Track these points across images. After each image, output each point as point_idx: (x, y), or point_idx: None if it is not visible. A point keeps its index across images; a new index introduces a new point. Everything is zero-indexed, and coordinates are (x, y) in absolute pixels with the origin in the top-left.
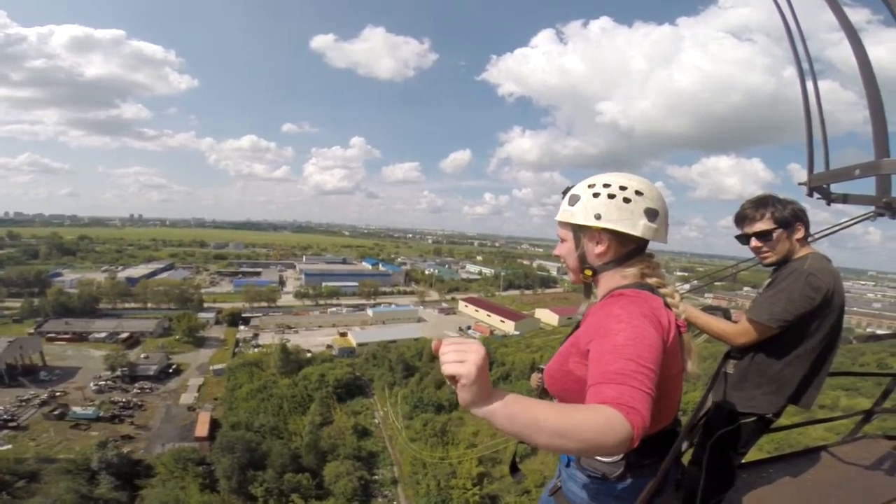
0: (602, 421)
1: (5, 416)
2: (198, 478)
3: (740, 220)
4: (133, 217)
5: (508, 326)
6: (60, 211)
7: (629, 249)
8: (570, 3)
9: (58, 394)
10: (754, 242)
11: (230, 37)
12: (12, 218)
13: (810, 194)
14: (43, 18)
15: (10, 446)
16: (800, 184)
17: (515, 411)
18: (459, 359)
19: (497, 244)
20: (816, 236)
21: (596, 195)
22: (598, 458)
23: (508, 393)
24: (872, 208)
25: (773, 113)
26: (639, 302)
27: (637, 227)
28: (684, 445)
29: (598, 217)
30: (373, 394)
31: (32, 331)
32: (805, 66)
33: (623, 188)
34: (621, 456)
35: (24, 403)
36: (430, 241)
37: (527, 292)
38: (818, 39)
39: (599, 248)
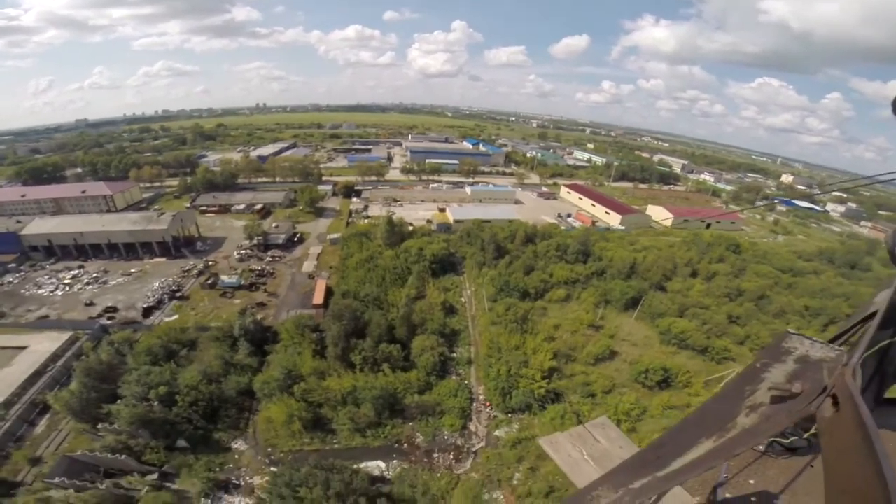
0: None
1: (174, 288)
2: (312, 344)
3: None
4: (259, 106)
5: (614, 219)
6: (198, 105)
7: None
8: None
9: (210, 263)
10: None
11: None
12: (161, 115)
13: None
14: None
15: (176, 317)
16: None
17: None
18: None
19: (613, 133)
20: None
21: None
22: None
23: None
24: None
25: None
26: None
27: None
28: None
29: None
30: (463, 271)
31: (189, 205)
32: None
33: None
34: None
35: (185, 274)
36: (534, 125)
37: (641, 186)
38: None
39: None
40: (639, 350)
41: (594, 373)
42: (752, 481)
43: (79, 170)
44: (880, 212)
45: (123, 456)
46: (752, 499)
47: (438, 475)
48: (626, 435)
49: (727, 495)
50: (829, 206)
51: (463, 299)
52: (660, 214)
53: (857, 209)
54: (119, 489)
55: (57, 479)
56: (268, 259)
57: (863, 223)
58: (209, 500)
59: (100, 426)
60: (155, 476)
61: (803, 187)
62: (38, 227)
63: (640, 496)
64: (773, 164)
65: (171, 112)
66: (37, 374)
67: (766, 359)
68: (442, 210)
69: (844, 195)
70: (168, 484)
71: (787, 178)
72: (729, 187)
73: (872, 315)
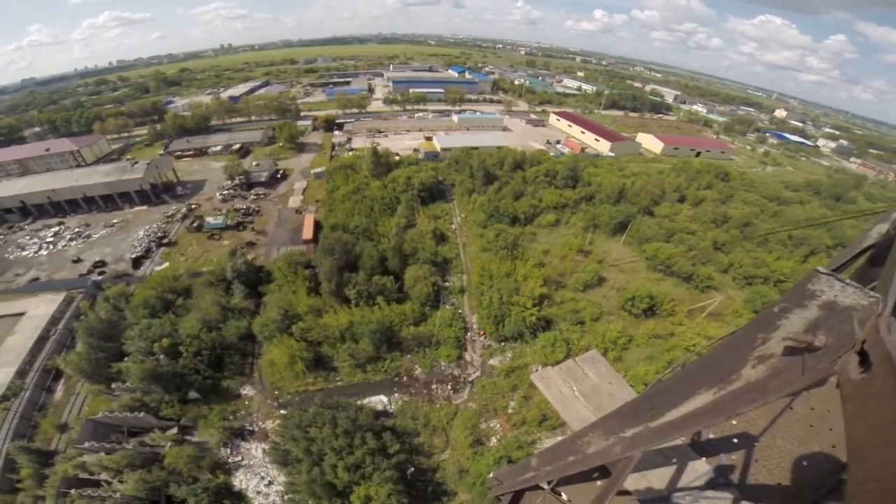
0: None
1: (160, 234)
2: (305, 281)
3: None
4: (223, 47)
5: (603, 146)
6: (156, 53)
7: None
8: None
9: (193, 206)
10: None
11: None
12: (116, 66)
13: None
14: None
15: (167, 264)
16: None
17: None
18: None
19: (604, 62)
20: None
21: None
22: None
23: None
24: None
25: None
26: None
27: None
28: None
29: None
30: (452, 199)
31: (162, 152)
32: None
33: None
34: None
35: (169, 219)
36: (522, 53)
37: (632, 114)
38: None
39: None
40: (626, 276)
41: (583, 300)
42: (734, 421)
43: (37, 129)
44: (871, 150)
45: (142, 413)
46: (734, 440)
47: (438, 406)
48: (614, 367)
49: (711, 435)
50: (821, 142)
51: (453, 226)
52: (649, 142)
53: (848, 146)
54: (145, 447)
55: (86, 444)
56: (252, 197)
57: (852, 159)
58: (228, 449)
59: (113, 385)
60: (175, 430)
61: (796, 122)
62: (7, 189)
63: (631, 447)
64: (767, 98)
65: (127, 62)
66: (41, 340)
67: (786, 302)
68: (429, 139)
69: (837, 132)
70: (188, 437)
71: (780, 113)
72: (721, 118)
73: (870, 248)
